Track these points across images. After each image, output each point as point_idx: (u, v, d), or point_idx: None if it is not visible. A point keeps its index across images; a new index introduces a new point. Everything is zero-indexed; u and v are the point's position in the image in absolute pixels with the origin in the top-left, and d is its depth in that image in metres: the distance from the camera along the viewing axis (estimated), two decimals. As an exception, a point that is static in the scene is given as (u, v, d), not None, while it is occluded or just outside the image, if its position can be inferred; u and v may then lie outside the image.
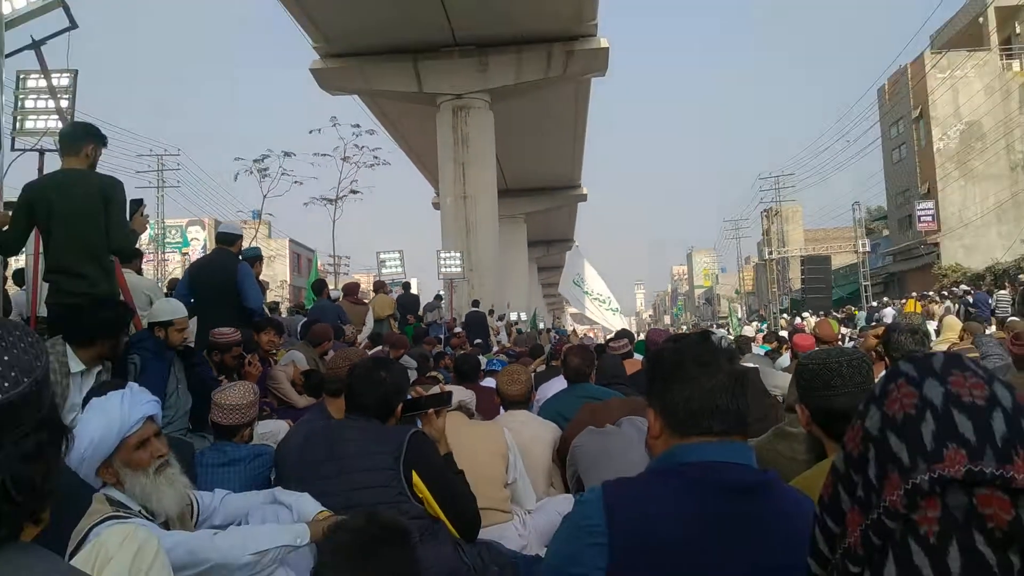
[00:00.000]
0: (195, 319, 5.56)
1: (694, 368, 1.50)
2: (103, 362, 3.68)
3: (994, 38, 33.23)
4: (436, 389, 3.04)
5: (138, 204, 4.40)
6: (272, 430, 4.39)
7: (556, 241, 50.88)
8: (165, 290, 9.87)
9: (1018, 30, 33.29)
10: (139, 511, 2.14)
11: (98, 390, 3.39)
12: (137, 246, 6.09)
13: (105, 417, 2.14)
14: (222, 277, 5.59)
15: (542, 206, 39.26)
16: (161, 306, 4.49)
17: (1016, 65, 33.18)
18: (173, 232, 44.81)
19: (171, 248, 43.71)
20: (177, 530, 2.21)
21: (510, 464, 3.39)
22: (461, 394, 3.63)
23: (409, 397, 2.73)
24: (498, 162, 24.51)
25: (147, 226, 4.63)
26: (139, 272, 6.58)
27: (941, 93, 33.11)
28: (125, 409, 2.16)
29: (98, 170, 4.18)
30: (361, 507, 2.38)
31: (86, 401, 3.37)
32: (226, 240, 5.90)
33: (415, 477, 2.40)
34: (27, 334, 0.98)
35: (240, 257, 5.91)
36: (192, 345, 4.64)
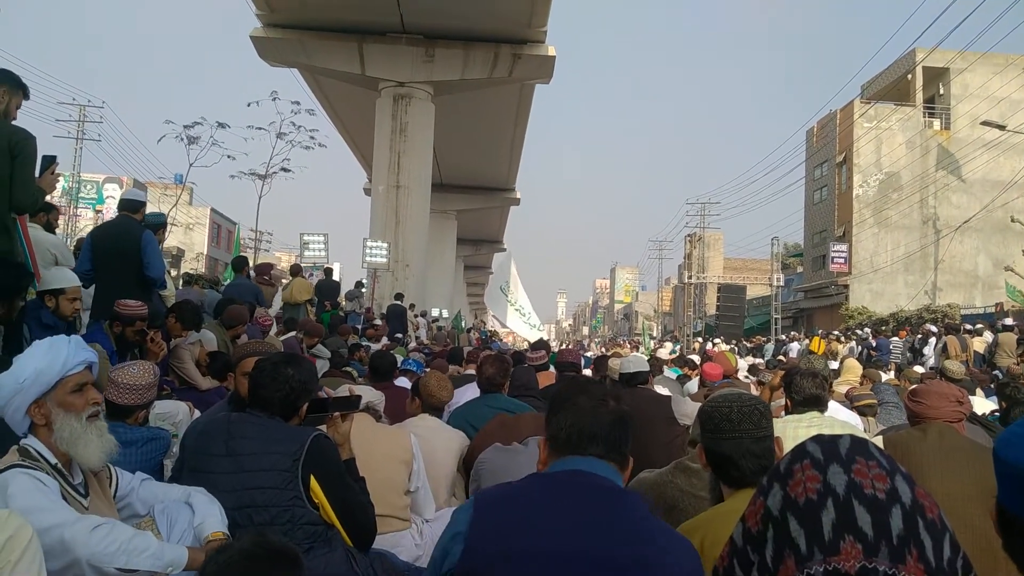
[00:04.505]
0: (92, 288, 5.32)
1: (584, 399, 1.69)
2: (-6, 325, 3.47)
3: (919, 96, 34.85)
4: (345, 390, 2.97)
5: (50, 161, 4.18)
6: (170, 410, 4.24)
7: (485, 242, 50.85)
8: (73, 248, 9.40)
9: (942, 91, 34.97)
10: (55, 464, 2.09)
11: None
12: (49, 200, 5.78)
13: (51, 351, 2.16)
14: (126, 245, 5.35)
15: (475, 205, 39.14)
16: (52, 274, 4.26)
17: (937, 124, 34.84)
18: (88, 187, 42.83)
19: (85, 204, 41.79)
20: (70, 508, 2.06)
21: (413, 472, 3.34)
22: (369, 395, 3.57)
23: (319, 396, 2.64)
24: (435, 155, 24.33)
25: (56, 185, 4.39)
26: (51, 229, 6.24)
27: (866, 142, 34.46)
28: (72, 348, 2.19)
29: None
30: (254, 507, 2.31)
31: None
32: (130, 207, 5.63)
33: (313, 482, 2.33)
34: None
35: (144, 225, 5.67)
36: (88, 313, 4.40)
